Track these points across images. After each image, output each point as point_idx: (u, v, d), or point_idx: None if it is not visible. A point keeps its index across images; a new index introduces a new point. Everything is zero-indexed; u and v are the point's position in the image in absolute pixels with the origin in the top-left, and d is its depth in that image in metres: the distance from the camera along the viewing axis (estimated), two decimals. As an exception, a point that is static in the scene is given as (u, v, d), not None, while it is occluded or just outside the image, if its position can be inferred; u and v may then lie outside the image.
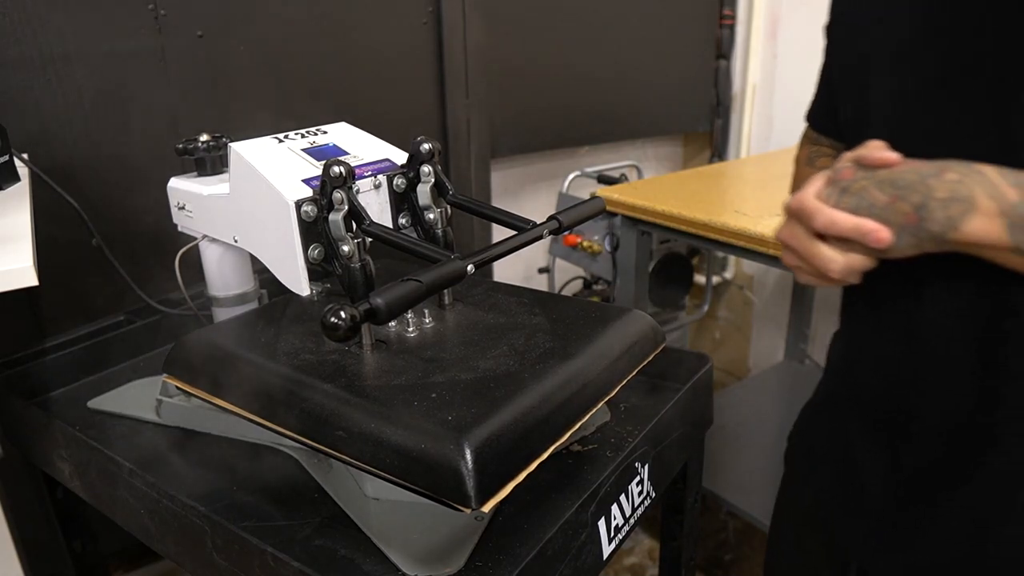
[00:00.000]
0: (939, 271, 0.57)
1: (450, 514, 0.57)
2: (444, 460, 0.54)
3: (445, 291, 0.78)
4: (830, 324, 1.86)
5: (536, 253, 2.16)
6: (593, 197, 0.79)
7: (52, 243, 1.09)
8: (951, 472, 0.62)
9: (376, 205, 0.76)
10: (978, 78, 0.53)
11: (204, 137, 0.86)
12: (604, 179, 2.06)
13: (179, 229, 0.88)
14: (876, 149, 0.56)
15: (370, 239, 0.70)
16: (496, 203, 0.97)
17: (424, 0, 1.53)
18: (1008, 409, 0.57)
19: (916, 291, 0.60)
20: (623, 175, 2.10)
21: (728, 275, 2.40)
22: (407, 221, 0.79)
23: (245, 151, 0.72)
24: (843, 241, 0.55)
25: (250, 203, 0.73)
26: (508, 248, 0.66)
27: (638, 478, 0.77)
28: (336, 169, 0.67)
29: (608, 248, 1.84)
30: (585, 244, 1.93)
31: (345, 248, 0.68)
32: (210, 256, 0.87)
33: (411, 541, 0.63)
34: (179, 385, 0.74)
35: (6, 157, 0.88)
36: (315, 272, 0.71)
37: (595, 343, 0.70)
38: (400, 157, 0.79)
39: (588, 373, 0.67)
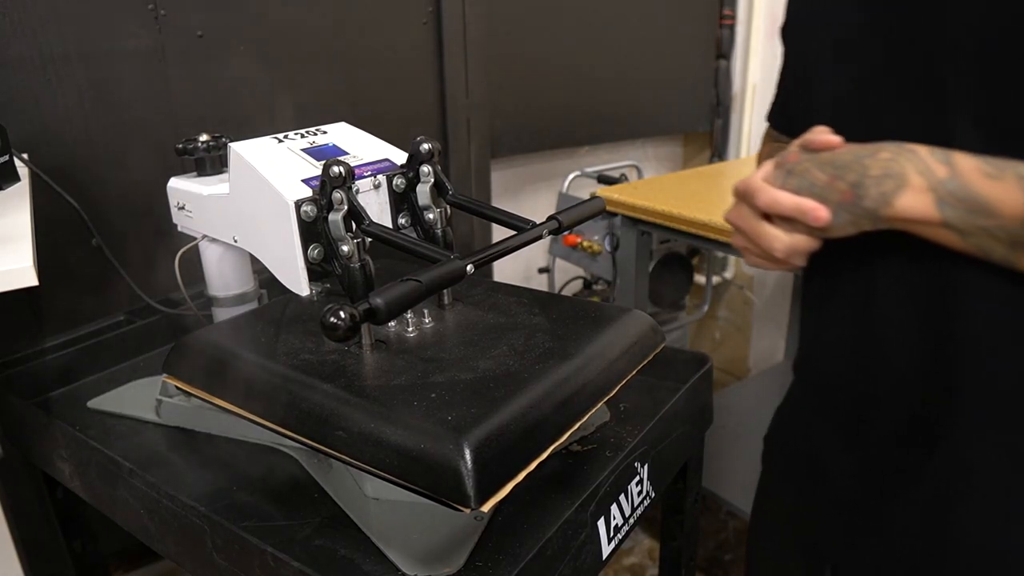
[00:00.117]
0: (889, 255, 0.59)
1: (450, 514, 0.57)
2: (444, 460, 0.54)
3: (445, 291, 0.78)
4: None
5: (536, 253, 2.16)
6: (593, 197, 0.79)
7: (52, 243, 1.10)
8: (908, 461, 0.63)
9: (376, 205, 0.76)
10: (915, 70, 0.55)
11: (204, 137, 0.86)
12: (604, 179, 2.06)
13: (179, 229, 0.88)
14: (820, 133, 0.59)
15: (370, 239, 0.70)
16: (496, 203, 0.97)
17: (424, 0, 1.53)
18: (959, 395, 0.58)
19: (869, 276, 0.62)
20: (623, 175, 2.10)
21: (728, 275, 2.40)
22: (407, 221, 0.79)
23: (245, 151, 0.72)
24: (788, 222, 0.58)
25: (250, 203, 0.73)
26: (508, 248, 0.66)
27: (638, 478, 0.77)
28: (336, 169, 0.67)
29: (608, 248, 1.84)
30: (585, 244, 1.93)
31: (345, 248, 0.68)
32: (210, 256, 0.87)
33: (411, 541, 0.63)
34: (179, 385, 0.74)
35: (6, 157, 0.88)
36: (315, 272, 0.71)
37: (595, 343, 0.70)
38: (400, 157, 0.79)
39: (588, 373, 0.67)
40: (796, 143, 0.60)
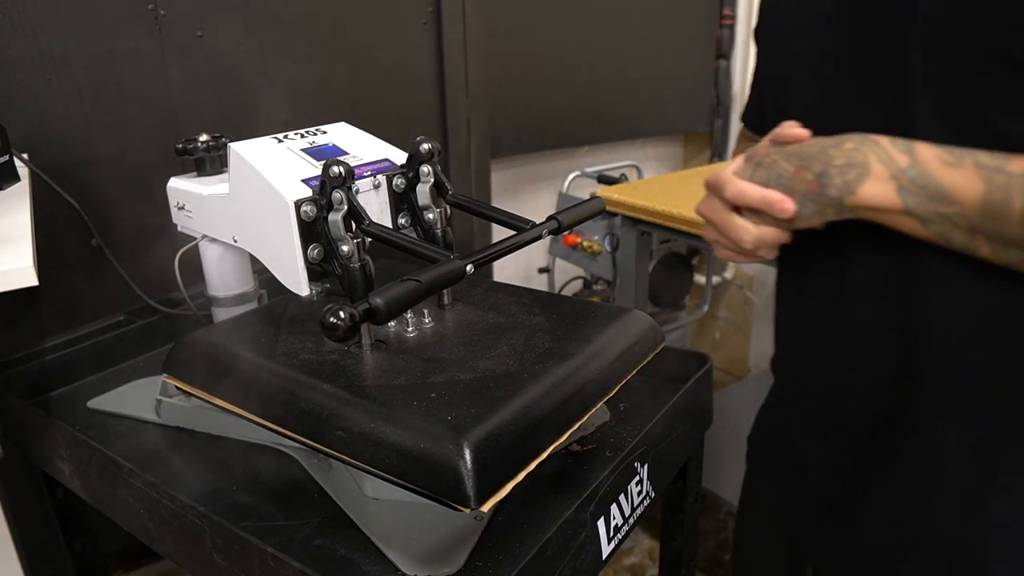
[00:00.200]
0: (857, 248, 0.60)
1: (450, 514, 0.57)
2: (443, 460, 0.54)
3: (445, 291, 0.78)
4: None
5: (536, 253, 2.16)
6: (593, 197, 0.79)
7: (52, 243, 1.10)
8: (881, 454, 0.63)
9: (376, 205, 0.76)
10: (882, 64, 0.57)
11: (204, 137, 0.86)
12: (604, 179, 2.06)
13: (179, 229, 0.88)
14: (789, 127, 0.60)
15: (369, 239, 0.70)
16: (496, 203, 0.97)
17: (424, 0, 1.53)
18: (927, 385, 0.59)
19: (837, 269, 0.63)
20: (623, 175, 2.10)
21: (728, 275, 2.40)
22: (407, 221, 0.79)
23: (245, 151, 0.72)
24: (756, 214, 0.60)
25: (250, 203, 0.73)
26: (508, 248, 0.66)
27: (637, 478, 0.77)
28: (335, 169, 0.67)
29: (608, 248, 1.84)
30: (585, 244, 1.93)
31: (345, 248, 0.68)
32: (210, 256, 0.87)
33: (411, 541, 0.63)
34: (179, 385, 0.74)
35: (6, 157, 0.88)
36: (315, 272, 0.71)
37: (595, 343, 0.70)
38: (400, 157, 0.79)
39: (587, 373, 0.67)
40: (767, 138, 0.62)
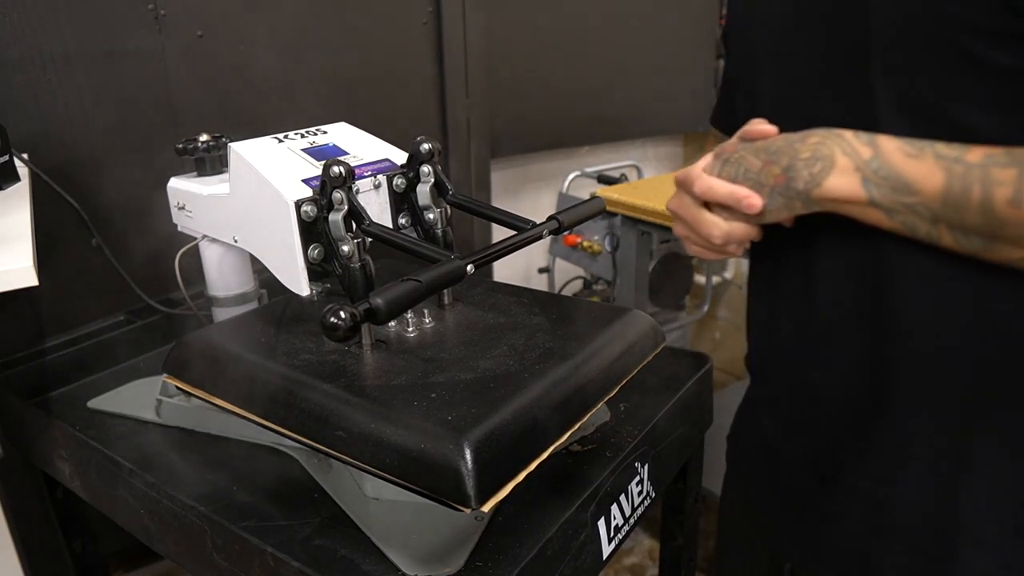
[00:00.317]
0: (825, 242, 0.61)
1: (450, 514, 0.57)
2: (444, 460, 0.54)
3: (445, 291, 0.78)
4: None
5: (536, 253, 2.16)
6: (593, 197, 0.79)
7: (52, 243, 1.10)
8: (851, 446, 0.64)
9: (376, 205, 0.76)
10: (844, 61, 0.58)
11: (204, 137, 0.86)
12: (604, 179, 2.06)
13: (179, 229, 0.88)
14: (756, 124, 0.61)
15: (370, 239, 0.70)
16: (496, 203, 0.97)
17: (424, 0, 1.53)
18: (896, 374, 0.59)
19: (807, 263, 0.63)
20: (623, 175, 2.10)
21: (728, 275, 2.39)
22: (407, 221, 0.79)
23: (245, 151, 0.72)
24: (726, 209, 0.61)
25: (250, 203, 0.73)
26: (508, 248, 0.66)
27: (638, 478, 0.77)
28: (336, 169, 0.67)
29: (608, 248, 1.84)
30: (585, 244, 1.93)
31: (345, 248, 0.68)
32: (210, 256, 0.87)
33: (411, 541, 0.63)
34: (179, 385, 0.74)
35: (6, 157, 0.88)
36: (315, 272, 0.71)
37: (595, 343, 0.70)
38: (400, 157, 0.79)
39: (588, 373, 0.67)
40: (736, 135, 0.63)
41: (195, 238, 0.86)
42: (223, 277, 0.88)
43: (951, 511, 0.59)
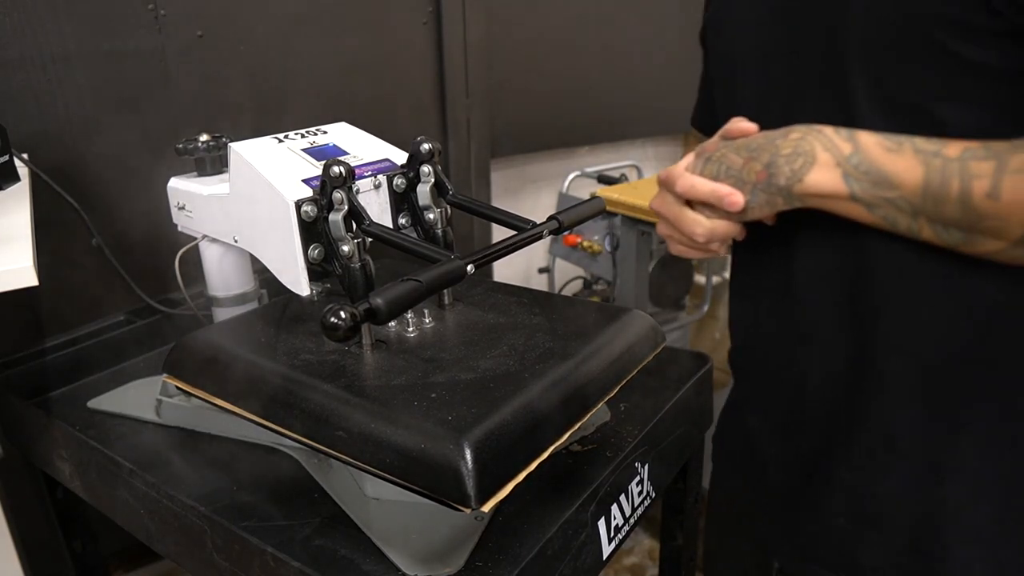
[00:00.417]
0: (806, 239, 0.61)
1: (450, 514, 0.57)
2: (444, 460, 0.54)
3: (445, 291, 0.78)
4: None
5: (536, 253, 2.16)
6: (593, 197, 0.79)
7: (52, 243, 1.09)
8: (836, 442, 0.64)
9: (376, 205, 0.76)
10: (822, 61, 0.58)
11: (204, 137, 0.86)
12: (604, 179, 2.06)
13: (179, 229, 0.88)
14: (737, 122, 0.62)
15: (370, 239, 0.70)
16: (496, 203, 0.97)
17: (424, 0, 1.53)
18: (879, 369, 0.59)
19: (788, 259, 0.64)
20: (623, 175, 2.10)
21: (728, 275, 2.39)
22: (407, 221, 0.79)
23: (245, 151, 0.72)
24: (708, 207, 0.61)
25: (250, 203, 0.73)
26: (508, 248, 0.66)
27: (638, 478, 0.77)
28: (336, 169, 0.67)
29: (608, 248, 1.83)
30: (585, 244, 1.93)
31: (345, 248, 0.68)
32: (210, 256, 0.87)
33: (411, 541, 0.63)
34: (179, 385, 0.74)
35: (6, 157, 0.88)
36: (315, 272, 0.71)
37: (595, 343, 0.70)
38: (400, 157, 0.79)
39: (588, 373, 0.67)
40: (717, 134, 0.63)
41: (195, 238, 0.86)
42: (223, 277, 0.88)
43: (938, 506, 0.60)
